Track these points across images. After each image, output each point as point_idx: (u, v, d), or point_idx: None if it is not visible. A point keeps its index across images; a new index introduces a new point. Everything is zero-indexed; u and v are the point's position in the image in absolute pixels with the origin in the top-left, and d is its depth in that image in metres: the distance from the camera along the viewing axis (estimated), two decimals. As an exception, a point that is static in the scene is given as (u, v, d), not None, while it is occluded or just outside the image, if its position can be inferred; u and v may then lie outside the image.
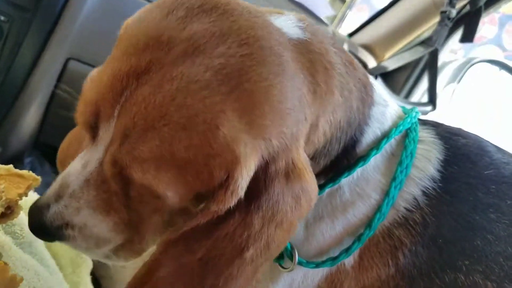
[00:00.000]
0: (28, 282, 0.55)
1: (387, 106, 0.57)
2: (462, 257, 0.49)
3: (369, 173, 0.54)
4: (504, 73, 1.83)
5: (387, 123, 0.56)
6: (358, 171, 0.53)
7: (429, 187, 0.53)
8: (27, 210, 0.77)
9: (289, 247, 0.53)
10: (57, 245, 0.76)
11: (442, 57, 1.63)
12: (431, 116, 1.48)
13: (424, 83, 1.58)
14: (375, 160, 0.54)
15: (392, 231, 0.52)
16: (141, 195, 0.46)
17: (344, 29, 1.81)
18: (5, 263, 0.47)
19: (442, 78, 1.70)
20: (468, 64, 1.66)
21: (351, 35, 1.72)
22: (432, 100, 1.36)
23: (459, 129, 0.60)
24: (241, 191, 0.42)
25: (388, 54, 1.58)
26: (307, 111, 0.46)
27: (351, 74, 0.53)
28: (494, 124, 1.89)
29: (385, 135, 0.54)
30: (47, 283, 0.59)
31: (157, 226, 0.49)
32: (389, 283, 0.51)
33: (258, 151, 0.42)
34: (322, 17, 1.54)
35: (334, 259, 0.52)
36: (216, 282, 0.44)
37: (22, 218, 0.66)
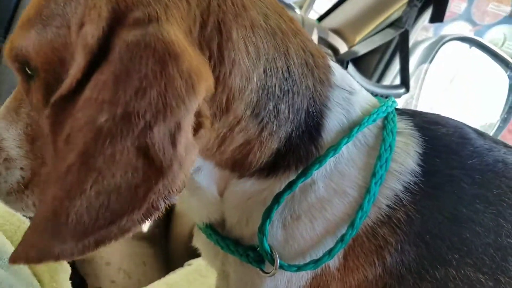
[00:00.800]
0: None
1: (354, 94, 0.55)
2: (452, 251, 0.48)
3: (344, 167, 0.51)
4: (475, 50, 1.85)
5: (355, 111, 0.54)
6: (330, 163, 0.51)
7: (410, 182, 0.51)
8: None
9: (268, 250, 0.50)
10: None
11: (414, 36, 1.63)
12: (404, 98, 1.49)
13: (395, 66, 1.57)
14: (349, 152, 0.52)
15: (376, 230, 0.50)
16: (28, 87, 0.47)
17: (315, 15, 1.79)
18: None
19: (413, 59, 1.71)
20: (439, 43, 1.67)
21: (320, 19, 1.70)
22: (404, 83, 1.36)
23: (438, 117, 0.58)
24: (91, 40, 0.39)
25: (359, 38, 1.57)
26: None
27: (289, 26, 0.50)
28: (466, 102, 1.92)
29: (356, 123, 0.52)
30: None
31: None
32: (377, 283, 0.50)
33: None
34: (291, 2, 1.52)
35: (317, 261, 0.50)
36: (75, 161, 0.37)
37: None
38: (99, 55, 0.39)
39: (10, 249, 0.70)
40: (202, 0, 0.43)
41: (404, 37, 1.34)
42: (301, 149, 0.51)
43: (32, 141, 0.48)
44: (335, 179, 0.51)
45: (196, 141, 0.41)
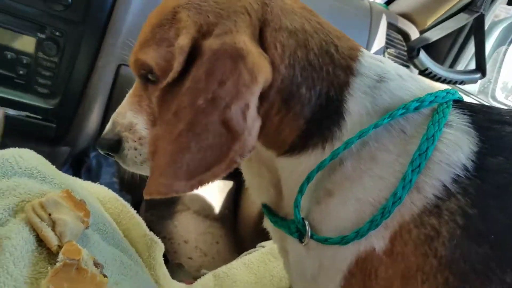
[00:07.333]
0: (117, 270, 0.63)
1: (384, 82, 0.57)
2: None
3: (374, 151, 0.54)
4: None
5: (382, 98, 0.57)
6: (357, 145, 0.54)
7: (461, 175, 0.49)
8: (102, 200, 0.86)
9: (301, 220, 0.57)
10: (134, 233, 0.84)
11: (490, 19, 1.55)
12: (481, 82, 1.43)
13: (470, 50, 1.51)
14: (378, 137, 0.54)
15: (424, 219, 0.49)
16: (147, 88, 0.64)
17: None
18: (105, 276, 0.53)
19: (491, 40, 1.63)
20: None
21: (388, 3, 1.68)
22: (480, 68, 1.29)
23: (507, 114, 0.54)
24: (184, 46, 0.55)
25: (430, 21, 1.54)
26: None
27: (313, 26, 0.60)
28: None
29: (387, 110, 0.55)
30: (131, 270, 0.67)
31: None
32: (436, 276, 0.47)
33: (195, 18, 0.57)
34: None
35: (344, 237, 0.53)
36: (184, 128, 0.53)
37: (102, 215, 0.74)
38: (189, 57, 0.56)
39: (115, 226, 0.79)
40: (257, 12, 0.58)
41: (479, 22, 1.25)
42: (325, 129, 0.57)
43: (152, 124, 0.65)
44: (365, 162, 0.54)
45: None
